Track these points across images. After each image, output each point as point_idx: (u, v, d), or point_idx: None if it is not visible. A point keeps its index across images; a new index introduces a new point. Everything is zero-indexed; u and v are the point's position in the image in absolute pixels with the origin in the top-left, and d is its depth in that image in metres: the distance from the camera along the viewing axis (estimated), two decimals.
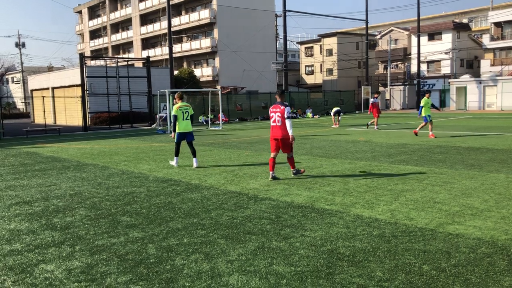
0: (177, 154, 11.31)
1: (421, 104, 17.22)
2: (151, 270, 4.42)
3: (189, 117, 11.19)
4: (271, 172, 9.14)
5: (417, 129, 17.87)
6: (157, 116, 30.40)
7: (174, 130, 11.09)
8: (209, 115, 31.29)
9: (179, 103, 11.17)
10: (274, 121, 9.18)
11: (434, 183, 8.19)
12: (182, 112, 11.05)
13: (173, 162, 11.41)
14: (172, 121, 11.17)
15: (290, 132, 8.98)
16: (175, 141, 11.21)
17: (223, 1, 48.40)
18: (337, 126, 25.15)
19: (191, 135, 11.26)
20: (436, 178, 8.65)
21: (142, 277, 4.26)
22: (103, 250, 5.07)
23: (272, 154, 9.31)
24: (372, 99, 22.62)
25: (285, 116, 8.96)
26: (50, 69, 71.64)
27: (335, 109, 26.71)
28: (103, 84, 31.70)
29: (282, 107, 9.03)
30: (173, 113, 11.03)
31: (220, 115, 29.86)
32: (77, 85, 32.72)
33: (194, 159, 11.14)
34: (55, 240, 5.48)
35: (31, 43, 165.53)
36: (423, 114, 17.02)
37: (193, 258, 4.72)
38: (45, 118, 31.48)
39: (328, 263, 4.47)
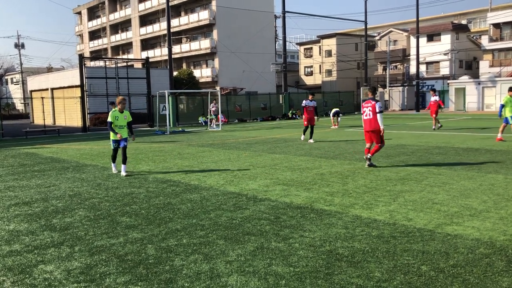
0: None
1: (501, 103, 15.08)
2: (150, 271, 4.42)
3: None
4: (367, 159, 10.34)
5: (499, 135, 15.21)
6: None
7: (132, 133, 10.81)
8: (209, 116, 31.31)
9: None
10: (366, 115, 10.18)
11: (432, 184, 8.20)
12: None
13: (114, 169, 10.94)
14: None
15: (381, 125, 10.00)
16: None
17: (222, 2, 48.43)
18: (337, 127, 25.16)
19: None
20: (435, 179, 8.67)
21: (141, 277, 4.27)
22: (102, 250, 5.07)
23: (367, 145, 10.43)
24: (432, 98, 21.40)
25: (377, 110, 9.97)
26: (49, 70, 71.61)
27: (334, 110, 26.73)
28: (102, 85, 31.70)
29: (374, 102, 10.08)
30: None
31: (220, 116, 29.88)
32: (76, 86, 32.72)
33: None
34: (55, 241, 5.49)
35: (30, 44, 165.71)
36: (504, 115, 14.98)
37: (192, 258, 4.73)
38: (44, 119, 31.42)
39: (327, 263, 4.48)
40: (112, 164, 10.87)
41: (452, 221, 5.80)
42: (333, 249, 4.87)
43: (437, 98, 21.32)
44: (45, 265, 4.67)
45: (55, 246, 5.30)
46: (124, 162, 10.35)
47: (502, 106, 15.06)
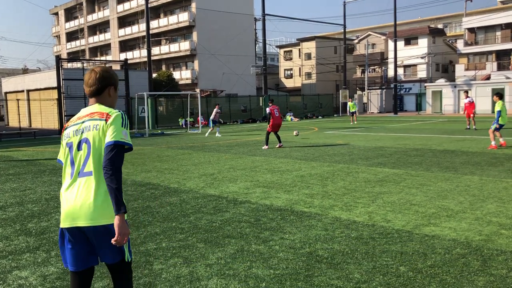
0: None
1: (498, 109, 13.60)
2: None
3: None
4: None
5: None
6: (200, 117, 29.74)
7: None
8: (188, 118, 31.15)
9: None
10: None
11: (410, 186, 8.32)
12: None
13: None
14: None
15: None
16: None
17: (202, 4, 48.27)
18: (316, 129, 25.34)
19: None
20: (413, 181, 8.79)
21: None
22: None
23: None
24: (465, 99, 21.83)
25: None
26: (24, 71, 70.18)
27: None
28: (80, 87, 31.11)
29: None
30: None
31: (199, 118, 29.77)
32: (53, 88, 32.18)
33: None
34: (30, 246, 5.37)
35: (5, 45, 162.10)
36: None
37: (172, 262, 4.69)
38: (19, 121, 30.76)
39: (307, 265, 4.49)
40: None
41: (430, 222, 5.88)
42: (313, 251, 4.89)
43: (470, 99, 21.82)
44: (20, 271, 4.56)
45: (30, 251, 5.18)
46: None
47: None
